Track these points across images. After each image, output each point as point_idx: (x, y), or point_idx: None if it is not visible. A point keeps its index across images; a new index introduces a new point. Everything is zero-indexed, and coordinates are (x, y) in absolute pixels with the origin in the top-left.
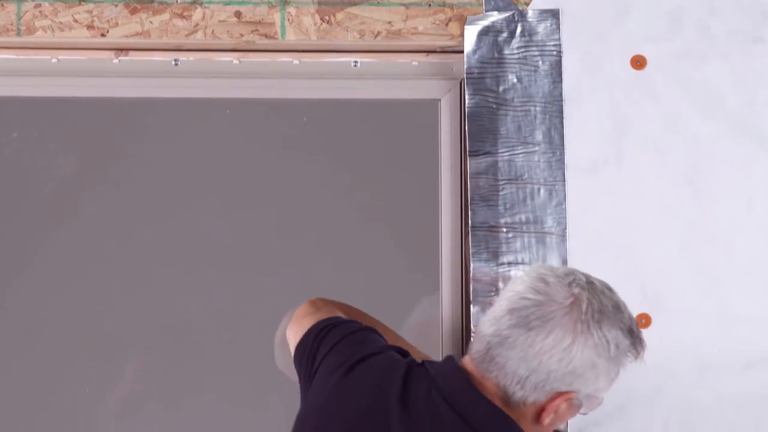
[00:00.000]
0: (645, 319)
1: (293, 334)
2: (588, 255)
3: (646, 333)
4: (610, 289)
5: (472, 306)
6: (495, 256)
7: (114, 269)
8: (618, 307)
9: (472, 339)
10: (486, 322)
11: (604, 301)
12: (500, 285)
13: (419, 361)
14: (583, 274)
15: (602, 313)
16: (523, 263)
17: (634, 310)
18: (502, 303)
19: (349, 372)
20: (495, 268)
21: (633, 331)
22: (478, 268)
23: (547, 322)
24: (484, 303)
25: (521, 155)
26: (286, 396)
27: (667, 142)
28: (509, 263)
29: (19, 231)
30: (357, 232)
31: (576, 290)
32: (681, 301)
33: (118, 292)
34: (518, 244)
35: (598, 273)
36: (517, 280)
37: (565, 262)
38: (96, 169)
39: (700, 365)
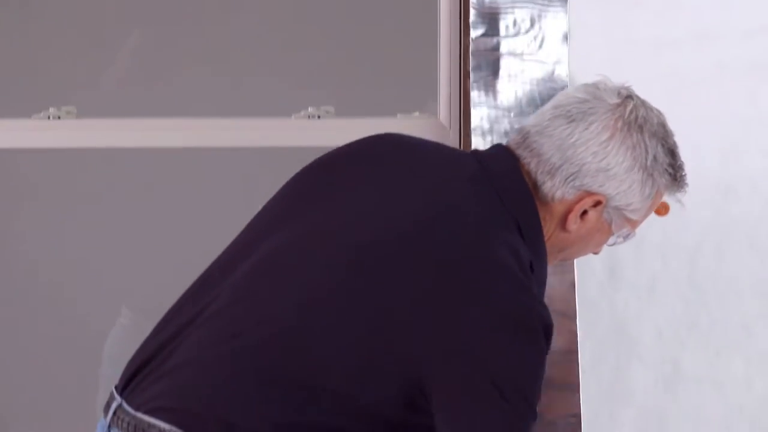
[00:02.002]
0: None
1: None
2: None
3: None
4: (662, 113)
5: None
6: None
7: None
8: (664, 127)
9: None
10: (530, 117)
11: (650, 115)
12: None
13: None
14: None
15: (646, 121)
16: None
17: None
18: (549, 102)
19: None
20: None
21: (675, 154)
22: None
23: (589, 116)
24: None
25: None
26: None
27: None
28: None
29: None
30: None
31: (626, 94)
32: None
33: None
34: None
35: None
36: (572, 87)
37: None
38: None
39: (699, 34)
